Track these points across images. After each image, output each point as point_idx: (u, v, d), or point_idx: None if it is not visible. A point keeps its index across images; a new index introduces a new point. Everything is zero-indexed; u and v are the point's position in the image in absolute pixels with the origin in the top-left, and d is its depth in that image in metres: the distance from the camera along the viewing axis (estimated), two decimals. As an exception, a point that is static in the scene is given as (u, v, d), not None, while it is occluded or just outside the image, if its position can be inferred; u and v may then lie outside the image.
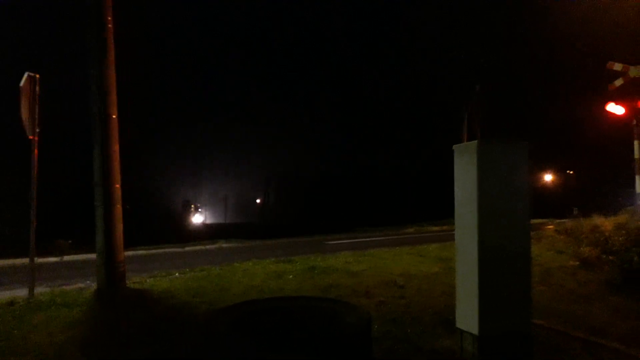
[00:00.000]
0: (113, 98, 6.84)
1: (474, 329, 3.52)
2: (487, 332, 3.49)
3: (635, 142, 10.32)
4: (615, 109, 10.52)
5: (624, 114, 10.49)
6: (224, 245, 16.51)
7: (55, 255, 12.24)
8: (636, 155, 10.29)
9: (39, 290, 6.71)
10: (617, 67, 10.77)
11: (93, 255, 7.20)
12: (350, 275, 7.75)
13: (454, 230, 3.86)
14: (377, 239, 17.68)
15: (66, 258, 12.10)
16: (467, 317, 3.62)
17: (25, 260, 7.31)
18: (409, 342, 4.31)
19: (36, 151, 6.52)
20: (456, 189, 3.81)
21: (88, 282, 7.74)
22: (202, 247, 15.62)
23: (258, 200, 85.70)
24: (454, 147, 3.85)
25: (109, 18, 6.82)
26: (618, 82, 10.81)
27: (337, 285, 6.94)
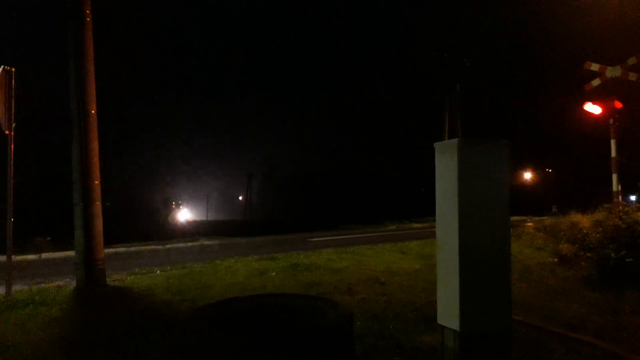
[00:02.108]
0: (92, 93, 6.73)
1: (455, 325, 3.54)
2: (468, 328, 3.52)
3: (612, 141, 10.50)
4: (592, 108, 10.70)
5: (600, 113, 10.66)
6: (206, 242, 16.41)
7: (34, 253, 12.03)
8: (613, 154, 10.47)
9: (16, 288, 6.60)
10: (594, 67, 10.94)
11: (72, 253, 7.10)
12: (332, 273, 7.76)
13: (435, 227, 3.89)
14: (359, 236, 17.75)
15: (45, 255, 11.89)
16: (448, 314, 3.64)
17: (3, 258, 7.17)
18: (390, 339, 4.33)
19: (12, 146, 6.40)
20: (437, 187, 3.83)
21: (67, 280, 7.63)
22: (184, 245, 15.51)
23: (240, 198, 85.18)
24: (435, 145, 3.86)
25: (88, 11, 6.70)
26: (595, 82, 10.98)
27: (320, 282, 6.94)
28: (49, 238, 14.00)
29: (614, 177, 10.45)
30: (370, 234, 18.60)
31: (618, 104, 10.39)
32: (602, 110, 10.52)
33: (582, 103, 10.99)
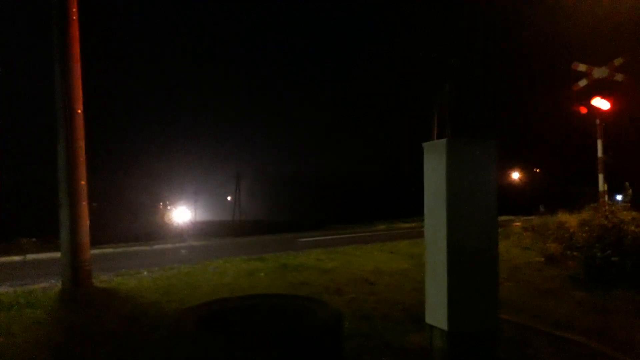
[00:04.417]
0: (78, 92, 6.65)
1: (444, 325, 3.55)
2: (456, 327, 3.53)
3: (599, 141, 10.61)
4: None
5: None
6: (194, 243, 16.31)
7: (19, 254, 11.88)
8: (599, 154, 10.58)
9: (1, 289, 6.51)
10: (582, 67, 11.06)
11: (58, 254, 7.01)
12: (321, 273, 7.74)
13: (423, 227, 3.89)
14: (348, 236, 17.73)
15: (30, 257, 11.75)
16: (437, 313, 3.65)
17: (-14, 260, 7.08)
18: (379, 339, 4.32)
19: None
20: (426, 186, 3.84)
21: (53, 281, 7.52)
22: (172, 246, 15.39)
23: (229, 198, 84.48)
24: (424, 144, 3.87)
25: (74, 9, 6.63)
26: (582, 83, 11.11)
27: (309, 282, 6.92)
28: (34, 239, 13.80)
29: (600, 177, 10.56)
30: (359, 234, 18.60)
31: (605, 105, 10.50)
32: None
33: (569, 103, 11.09)
